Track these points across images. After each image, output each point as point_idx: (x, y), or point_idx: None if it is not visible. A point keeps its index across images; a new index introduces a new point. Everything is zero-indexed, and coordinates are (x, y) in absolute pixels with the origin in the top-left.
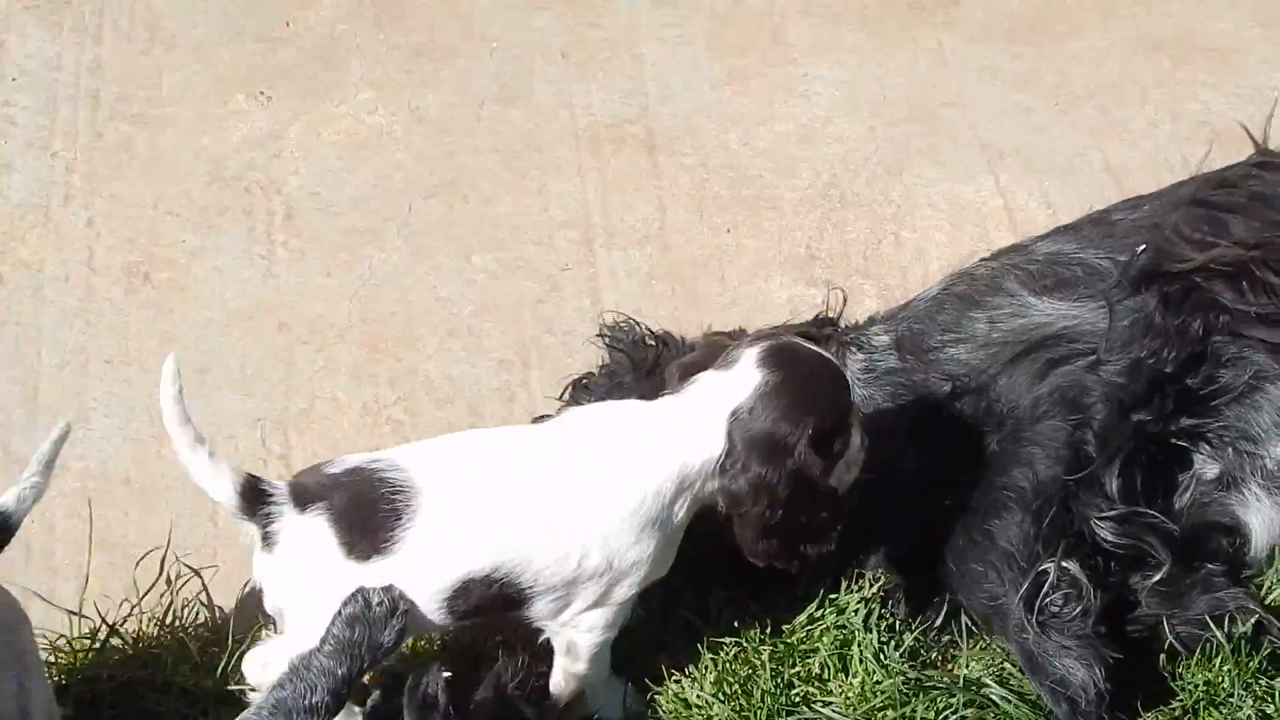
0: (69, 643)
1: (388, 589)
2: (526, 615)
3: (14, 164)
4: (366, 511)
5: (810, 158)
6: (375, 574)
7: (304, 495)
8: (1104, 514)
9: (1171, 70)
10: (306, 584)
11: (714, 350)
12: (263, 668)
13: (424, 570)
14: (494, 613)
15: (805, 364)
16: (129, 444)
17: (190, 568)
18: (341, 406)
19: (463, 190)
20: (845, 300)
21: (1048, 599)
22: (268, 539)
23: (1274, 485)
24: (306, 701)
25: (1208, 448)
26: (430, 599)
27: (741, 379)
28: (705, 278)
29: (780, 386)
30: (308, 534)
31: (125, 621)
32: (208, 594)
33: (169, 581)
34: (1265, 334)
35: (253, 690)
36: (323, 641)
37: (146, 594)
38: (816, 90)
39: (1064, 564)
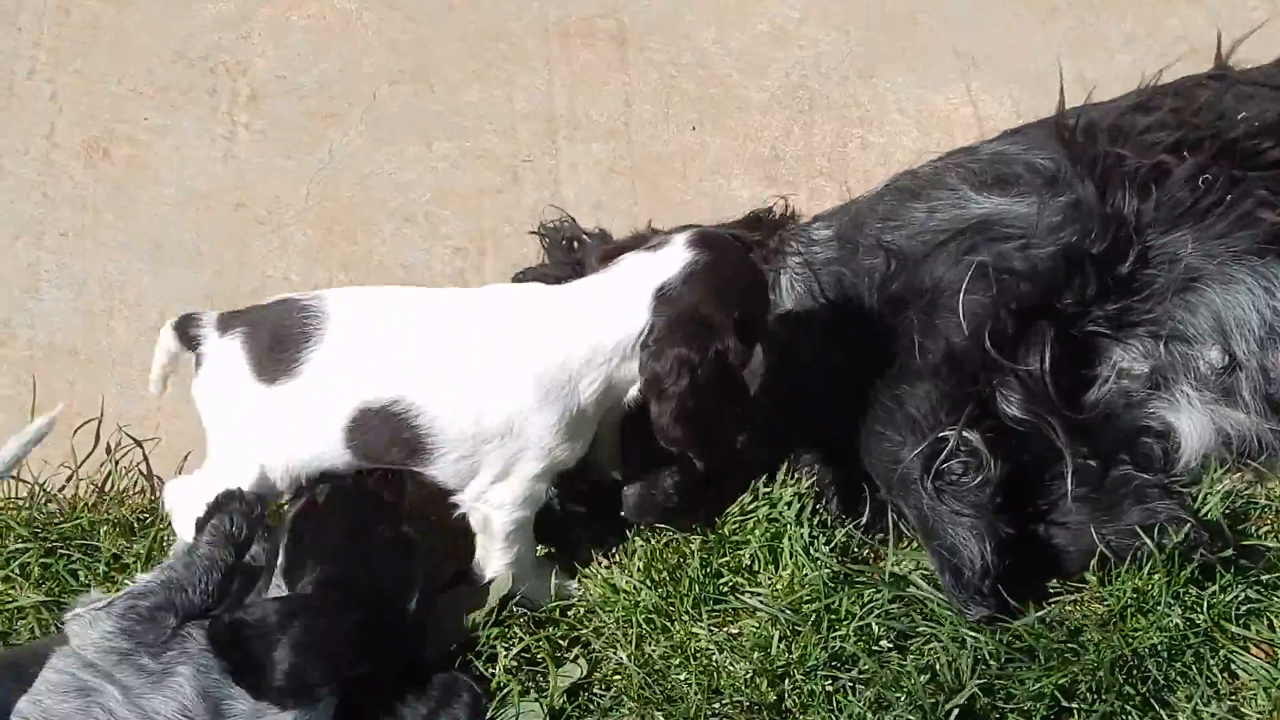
0: (2, 502)
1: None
2: (434, 476)
3: None
4: (278, 334)
5: (782, 59)
6: (280, 395)
7: (228, 321)
8: (1011, 389)
9: None
10: (222, 403)
11: (640, 239)
12: (181, 497)
13: (325, 394)
14: (397, 458)
15: (735, 253)
16: (78, 316)
17: (131, 438)
18: (293, 287)
19: (429, 78)
20: (787, 205)
21: (946, 465)
22: (198, 362)
23: (1206, 389)
24: (199, 582)
25: (1137, 344)
26: (331, 426)
27: (670, 258)
28: (667, 175)
29: (710, 269)
30: (225, 355)
31: (63, 488)
32: (147, 464)
33: (109, 450)
34: (1194, 223)
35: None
36: (198, 533)
37: (85, 461)
38: None
39: (965, 433)
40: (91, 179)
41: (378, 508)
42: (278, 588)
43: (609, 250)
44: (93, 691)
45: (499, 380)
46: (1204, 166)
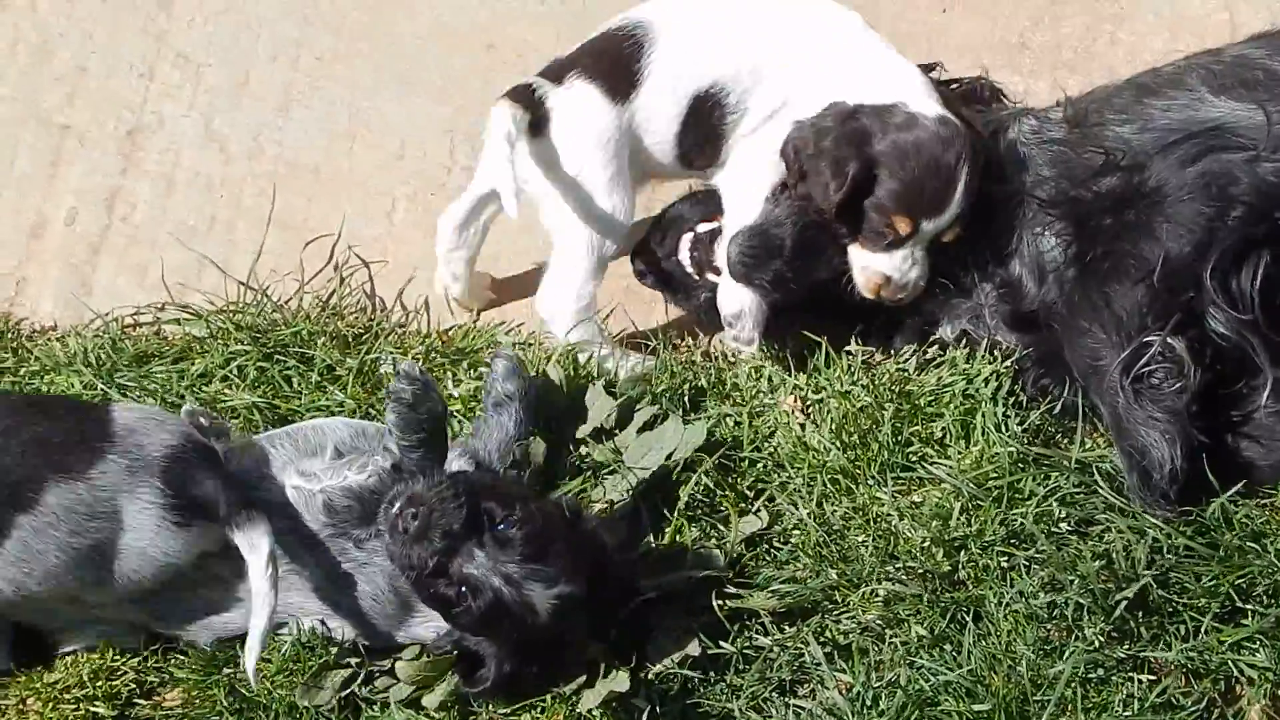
0: (229, 305)
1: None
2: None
3: None
4: (614, 57)
5: None
6: (634, 106)
7: (557, 72)
8: (1220, 305)
9: None
10: (582, 140)
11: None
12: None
13: (666, 89)
14: (709, 152)
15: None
16: (324, 137)
17: (360, 258)
18: None
19: None
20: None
21: (1147, 369)
22: (537, 127)
23: None
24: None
25: None
26: (671, 122)
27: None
28: (911, 53)
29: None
30: (573, 99)
31: (290, 299)
32: (371, 284)
33: (337, 268)
34: None
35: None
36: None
37: (315, 277)
38: None
39: (1169, 340)
40: (352, 6)
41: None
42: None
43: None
44: None
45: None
46: None
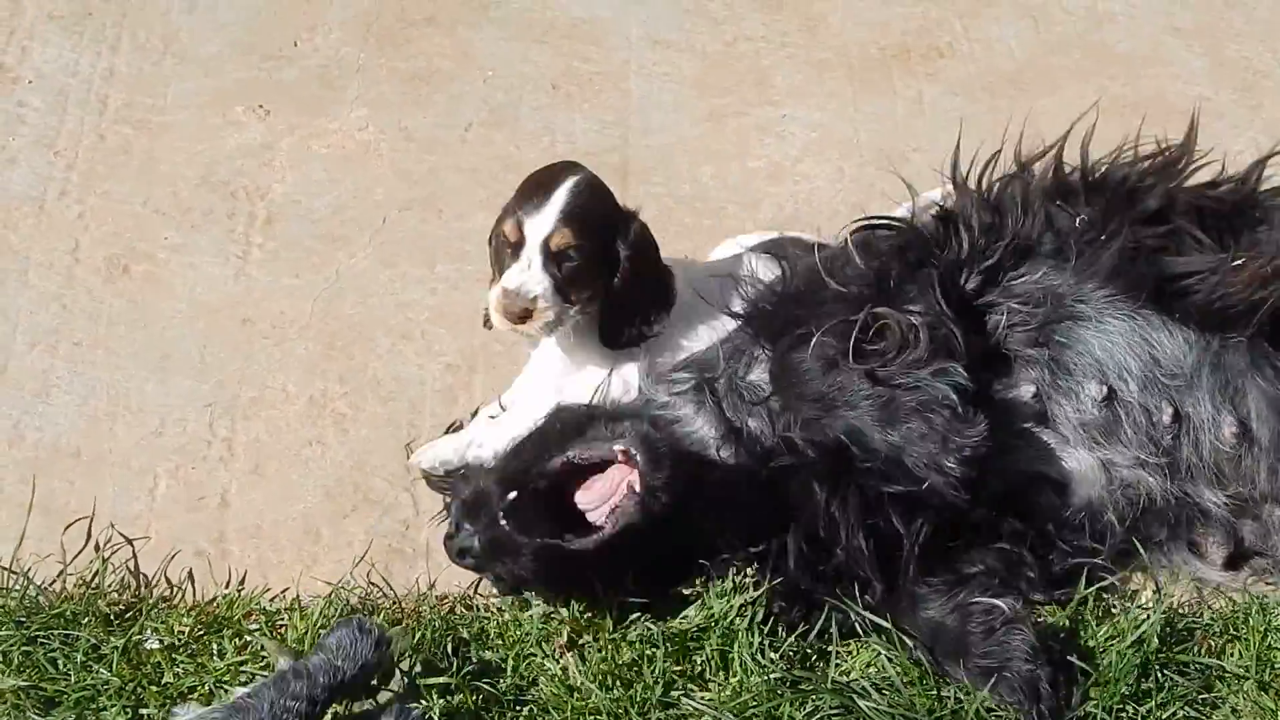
0: None
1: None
2: None
3: (18, 159)
4: None
5: (776, 194)
6: None
7: None
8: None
9: (1142, 130)
10: None
11: None
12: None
13: None
14: None
15: None
16: (84, 420)
17: (123, 535)
18: (290, 397)
19: (437, 205)
20: None
21: None
22: None
23: (1085, 424)
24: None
25: (1024, 370)
26: None
27: None
28: None
29: None
30: None
31: (54, 582)
32: (135, 561)
33: (98, 548)
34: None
35: None
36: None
37: (77, 557)
38: (792, 131)
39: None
40: (109, 293)
41: None
42: None
43: None
44: None
45: None
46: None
